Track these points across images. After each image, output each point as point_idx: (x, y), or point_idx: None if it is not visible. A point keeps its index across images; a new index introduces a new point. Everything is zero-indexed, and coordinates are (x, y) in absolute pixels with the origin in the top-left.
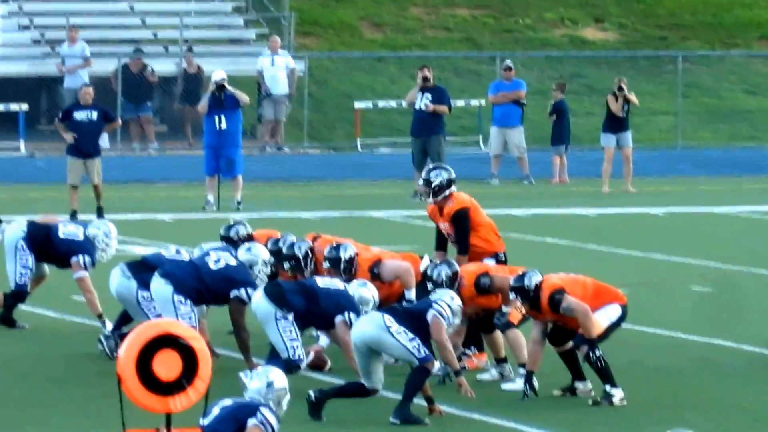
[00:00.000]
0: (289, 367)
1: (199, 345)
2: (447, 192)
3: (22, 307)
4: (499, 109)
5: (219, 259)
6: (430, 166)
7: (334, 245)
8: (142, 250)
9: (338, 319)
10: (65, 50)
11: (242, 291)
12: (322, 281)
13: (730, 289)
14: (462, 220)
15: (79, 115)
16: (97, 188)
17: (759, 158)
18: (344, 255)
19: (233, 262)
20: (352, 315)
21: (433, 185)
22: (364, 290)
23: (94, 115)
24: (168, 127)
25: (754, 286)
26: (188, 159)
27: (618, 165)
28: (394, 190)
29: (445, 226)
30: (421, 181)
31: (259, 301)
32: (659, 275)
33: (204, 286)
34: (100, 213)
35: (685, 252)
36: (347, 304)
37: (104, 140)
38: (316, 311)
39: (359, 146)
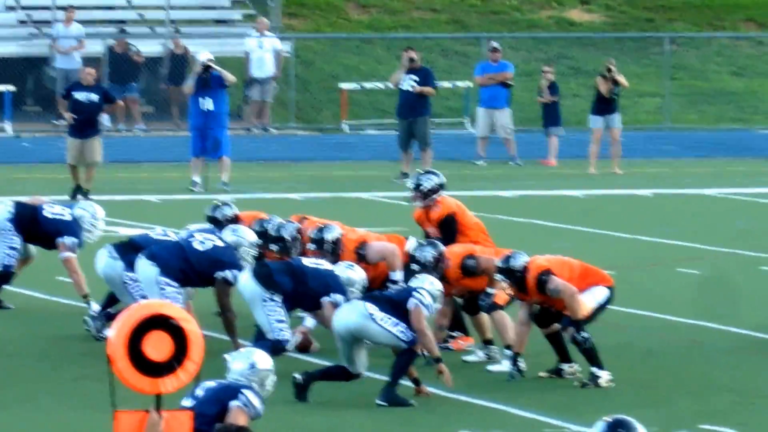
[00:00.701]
0: (276, 348)
1: (191, 326)
2: (435, 197)
3: (8, 287)
4: (486, 90)
5: (205, 240)
6: (421, 170)
7: (320, 227)
8: (128, 231)
9: (325, 300)
10: (60, 30)
11: (228, 272)
12: (310, 262)
13: (717, 271)
14: (449, 225)
15: (80, 96)
16: (91, 169)
17: (746, 140)
18: (329, 236)
19: (219, 244)
20: (339, 296)
21: (423, 189)
22: (351, 272)
23: (95, 96)
24: (154, 107)
25: (741, 268)
26: (175, 140)
27: (605, 146)
28: (380, 172)
29: (432, 231)
30: (411, 186)
31: (246, 282)
32: (646, 257)
33: (190, 268)
34: (84, 194)
35: (672, 234)
36: (334, 285)
37: (105, 120)
38: (304, 292)
39: (346, 127)
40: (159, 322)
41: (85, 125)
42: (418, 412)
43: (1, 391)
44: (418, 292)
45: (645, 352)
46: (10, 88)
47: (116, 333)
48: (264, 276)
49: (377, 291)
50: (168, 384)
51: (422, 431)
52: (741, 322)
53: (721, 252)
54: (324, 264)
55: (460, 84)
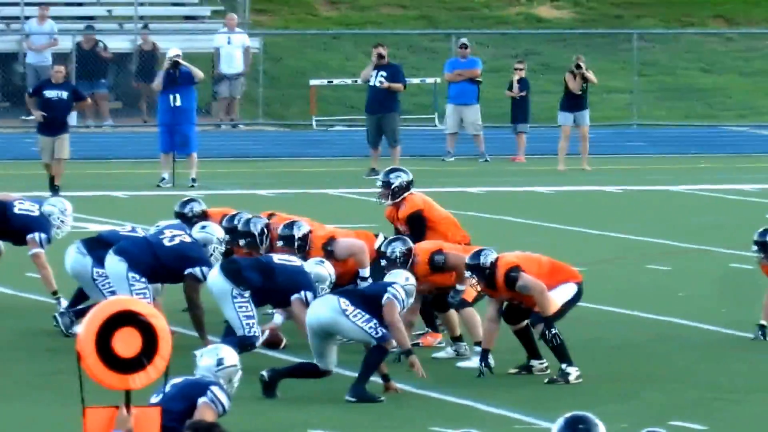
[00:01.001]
0: (244, 344)
1: (159, 323)
2: (405, 194)
3: None
4: (455, 86)
5: (173, 236)
6: (389, 168)
7: (288, 222)
8: (97, 227)
9: (294, 297)
10: (33, 27)
11: (197, 269)
12: (279, 258)
13: (686, 267)
14: (416, 222)
15: (50, 93)
16: (59, 164)
17: (714, 136)
18: (298, 233)
19: (187, 240)
20: (308, 294)
21: (392, 187)
22: (320, 268)
23: (65, 93)
24: (123, 103)
25: (710, 264)
26: (143, 136)
27: (574, 143)
28: (349, 168)
29: (403, 228)
30: (379, 183)
31: (215, 278)
32: (615, 253)
33: (158, 264)
34: (54, 190)
35: (642, 230)
36: (303, 281)
37: (72, 118)
38: (273, 288)
39: (314, 123)
40: (128, 318)
41: (55, 123)
42: (388, 408)
43: None
44: (393, 287)
45: (614, 348)
46: None
47: (85, 329)
48: (233, 272)
49: (351, 286)
50: (137, 380)
51: (392, 428)
52: (710, 319)
53: (689, 248)
54: (293, 260)
55: (429, 80)
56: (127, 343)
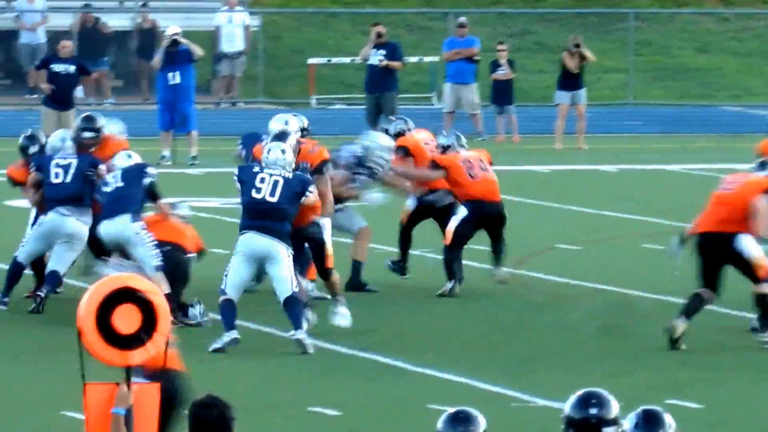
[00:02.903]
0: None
1: (158, 299)
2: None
3: None
4: (453, 65)
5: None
6: (391, 117)
7: None
8: None
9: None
10: (23, 5)
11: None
12: None
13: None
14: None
15: (58, 67)
16: None
17: (709, 116)
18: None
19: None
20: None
21: (391, 135)
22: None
23: (72, 68)
24: (124, 81)
25: None
26: (144, 114)
27: (571, 122)
28: None
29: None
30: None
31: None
32: (611, 232)
33: None
34: None
35: (637, 209)
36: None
37: (78, 91)
38: None
39: (314, 102)
40: (127, 295)
41: (62, 96)
42: (385, 386)
43: None
44: None
45: (608, 327)
46: None
47: (85, 307)
48: None
49: None
50: (137, 356)
51: (390, 405)
52: None
53: (685, 227)
54: None
55: (427, 59)
56: (126, 319)
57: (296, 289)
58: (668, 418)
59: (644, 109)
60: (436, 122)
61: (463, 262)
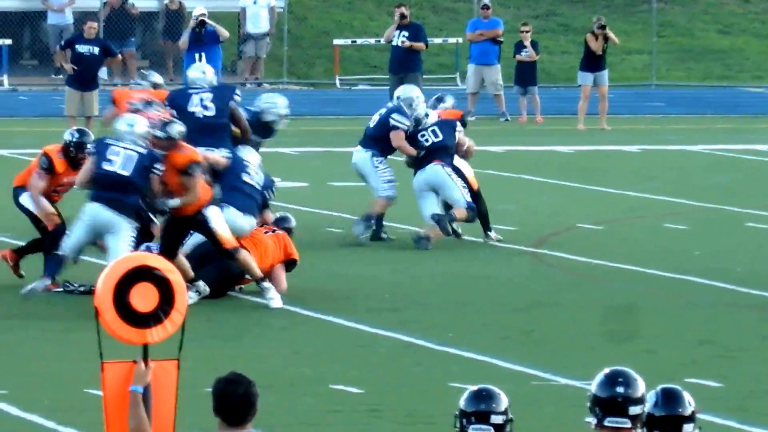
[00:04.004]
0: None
1: (175, 277)
2: None
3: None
4: (477, 46)
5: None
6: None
7: None
8: None
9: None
10: None
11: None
12: None
13: (703, 226)
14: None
15: (82, 48)
16: (89, 121)
17: (731, 97)
18: None
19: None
20: None
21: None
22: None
23: (96, 49)
24: (150, 62)
25: (726, 223)
26: None
27: (594, 103)
28: None
29: None
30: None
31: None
32: (633, 212)
33: None
34: None
35: (659, 189)
36: None
37: (103, 73)
38: None
39: (338, 83)
40: (144, 273)
41: (85, 77)
42: (407, 365)
43: None
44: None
45: (629, 306)
46: (7, 42)
47: (102, 285)
48: None
49: None
50: (155, 334)
51: (411, 384)
52: (725, 277)
53: (706, 207)
54: None
55: (451, 40)
56: (144, 298)
57: None
58: (688, 397)
59: (667, 90)
60: (460, 103)
61: (482, 242)
